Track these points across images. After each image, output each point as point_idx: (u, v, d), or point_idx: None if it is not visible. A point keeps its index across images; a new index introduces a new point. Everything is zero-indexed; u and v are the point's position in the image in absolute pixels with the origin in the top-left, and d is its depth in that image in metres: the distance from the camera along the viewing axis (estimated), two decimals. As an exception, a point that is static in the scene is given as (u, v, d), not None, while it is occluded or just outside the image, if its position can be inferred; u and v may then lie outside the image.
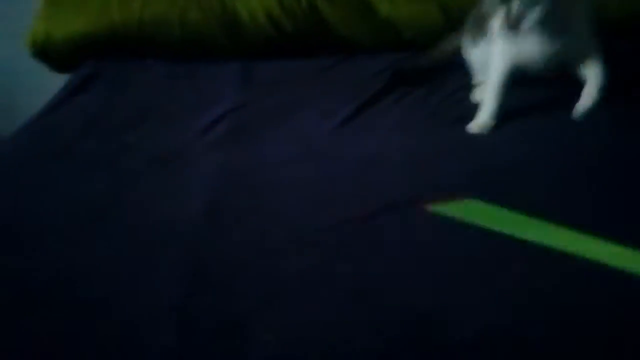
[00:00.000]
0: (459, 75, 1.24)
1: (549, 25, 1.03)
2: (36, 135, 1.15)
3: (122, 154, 1.06)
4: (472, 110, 1.11)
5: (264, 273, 0.73)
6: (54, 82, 1.57)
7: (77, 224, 0.87)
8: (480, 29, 1.17)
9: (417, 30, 1.45)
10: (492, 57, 1.11)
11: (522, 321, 0.63)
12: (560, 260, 0.71)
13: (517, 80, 1.10)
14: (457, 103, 1.17)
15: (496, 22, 1.08)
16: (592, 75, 1.08)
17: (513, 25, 0.99)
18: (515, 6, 0.98)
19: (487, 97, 1.11)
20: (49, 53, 1.54)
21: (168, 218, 0.86)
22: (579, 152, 0.97)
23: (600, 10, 1.15)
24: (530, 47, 1.06)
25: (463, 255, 0.74)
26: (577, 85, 1.10)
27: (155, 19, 1.48)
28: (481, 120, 1.08)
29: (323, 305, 0.68)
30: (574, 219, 0.77)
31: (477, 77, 1.22)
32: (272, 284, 0.72)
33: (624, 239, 0.73)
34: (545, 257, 0.72)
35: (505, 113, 1.09)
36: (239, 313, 0.67)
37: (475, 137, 1.05)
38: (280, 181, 0.94)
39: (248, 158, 1.04)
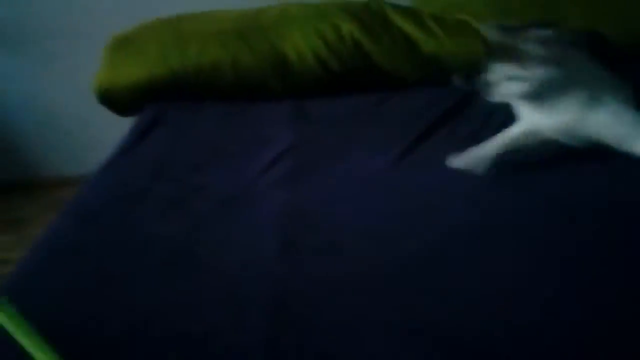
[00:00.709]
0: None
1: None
2: (112, 179, 1.24)
3: (192, 196, 1.13)
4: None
5: (342, 308, 0.79)
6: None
7: (160, 264, 0.94)
8: None
9: (461, 65, 1.51)
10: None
11: None
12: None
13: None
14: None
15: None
16: None
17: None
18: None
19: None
20: (112, 99, 1.65)
21: (243, 257, 0.93)
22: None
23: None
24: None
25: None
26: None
27: (211, 64, 1.58)
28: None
29: (402, 340, 0.73)
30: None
31: None
32: (353, 321, 0.77)
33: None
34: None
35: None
36: (325, 348, 0.73)
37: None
38: (345, 218, 1.00)
39: (311, 196, 1.09)
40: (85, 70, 1.78)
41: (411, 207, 1.00)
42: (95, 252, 0.98)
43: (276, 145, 1.31)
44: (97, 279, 0.91)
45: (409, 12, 1.59)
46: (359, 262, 0.87)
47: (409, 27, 1.55)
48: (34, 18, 2.11)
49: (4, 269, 2.06)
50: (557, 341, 0.70)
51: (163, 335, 0.78)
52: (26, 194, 2.51)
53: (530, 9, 1.53)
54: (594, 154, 1.04)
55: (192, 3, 1.78)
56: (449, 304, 0.77)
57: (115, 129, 1.54)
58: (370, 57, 1.55)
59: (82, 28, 2.10)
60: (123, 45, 1.68)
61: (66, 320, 0.82)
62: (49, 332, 0.77)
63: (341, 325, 0.76)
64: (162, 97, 1.61)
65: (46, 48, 2.18)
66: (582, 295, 0.77)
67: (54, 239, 1.05)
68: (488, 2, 1.56)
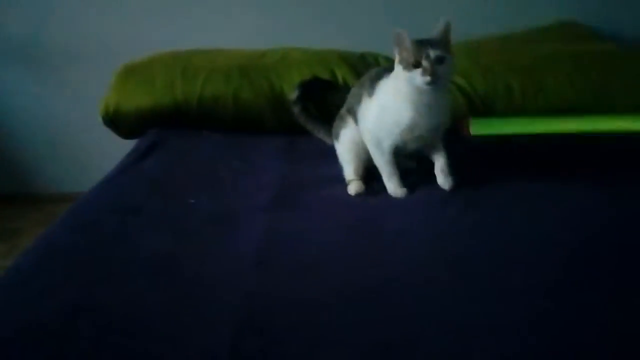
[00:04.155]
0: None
1: (445, 86, 1.22)
2: (110, 193, 1.32)
3: (182, 214, 1.22)
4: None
5: (305, 323, 0.86)
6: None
7: (145, 271, 1.01)
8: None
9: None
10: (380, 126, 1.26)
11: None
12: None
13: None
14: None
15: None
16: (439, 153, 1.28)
17: (433, 74, 1.14)
18: (433, 55, 1.13)
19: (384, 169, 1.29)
20: (117, 121, 1.77)
21: (222, 271, 1.00)
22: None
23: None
24: (425, 110, 1.20)
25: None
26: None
27: (213, 96, 1.70)
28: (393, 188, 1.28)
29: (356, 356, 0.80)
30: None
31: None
32: (313, 333, 0.84)
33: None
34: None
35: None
36: (286, 356, 0.80)
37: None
38: (317, 244, 1.08)
39: (289, 222, 1.18)
40: (91, 94, 1.90)
41: (379, 237, 1.09)
42: (85, 256, 1.05)
43: (263, 175, 1.41)
44: (83, 280, 0.98)
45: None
46: (326, 284, 0.94)
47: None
48: (50, 39, 2.27)
49: (-6, 276, 2.13)
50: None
51: (138, 334, 0.84)
52: (22, 206, 2.59)
53: (509, 72, 1.66)
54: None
55: (200, 39, 1.94)
56: (406, 326, 0.84)
57: (114, 151, 1.64)
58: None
59: (92, 54, 2.25)
60: (132, 73, 1.81)
61: (49, 316, 0.88)
62: (32, 325, 0.85)
63: (303, 338, 0.82)
64: (165, 124, 1.72)
65: (57, 69, 2.33)
66: (536, 333, 0.83)
67: (47, 243, 1.13)
68: (473, 64, 1.69)
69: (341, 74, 1.69)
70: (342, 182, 1.37)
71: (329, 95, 1.68)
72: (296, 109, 1.61)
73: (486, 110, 1.62)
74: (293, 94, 1.62)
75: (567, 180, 1.31)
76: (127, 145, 1.70)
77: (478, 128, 0.91)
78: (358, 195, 1.30)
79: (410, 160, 1.37)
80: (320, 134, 1.55)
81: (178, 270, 1.01)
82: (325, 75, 1.70)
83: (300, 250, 1.06)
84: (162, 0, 2.17)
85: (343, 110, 1.40)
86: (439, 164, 1.28)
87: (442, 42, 1.17)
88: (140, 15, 2.19)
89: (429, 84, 1.15)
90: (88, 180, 1.46)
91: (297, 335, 0.83)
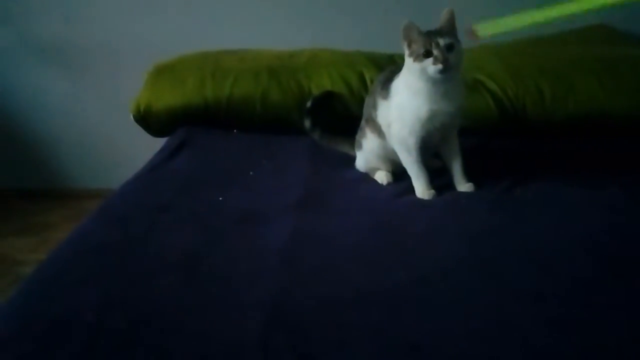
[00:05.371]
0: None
1: (456, 73, 1.21)
2: (140, 191, 1.35)
3: (211, 212, 1.23)
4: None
5: (332, 321, 0.86)
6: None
7: (174, 267, 1.02)
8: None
9: (470, 118, 1.60)
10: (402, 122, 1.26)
11: None
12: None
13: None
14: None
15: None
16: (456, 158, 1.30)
17: (444, 62, 1.14)
18: (442, 43, 1.14)
19: (412, 169, 1.29)
20: (149, 120, 1.79)
21: (250, 268, 1.01)
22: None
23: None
24: (441, 98, 1.20)
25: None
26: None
27: (242, 96, 1.71)
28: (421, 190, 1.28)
29: (382, 355, 0.80)
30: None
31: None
32: (339, 331, 0.84)
33: None
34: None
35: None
36: (313, 353, 0.80)
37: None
38: (343, 245, 1.08)
39: (316, 222, 1.18)
40: (122, 92, 1.94)
41: (405, 239, 1.09)
42: (116, 252, 1.07)
43: (291, 175, 1.43)
44: (115, 276, 1.00)
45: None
46: (353, 284, 0.94)
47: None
48: (81, 39, 2.32)
49: (25, 269, 2.17)
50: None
51: (169, 328, 0.86)
52: (52, 202, 2.65)
53: (540, 75, 1.63)
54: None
55: (229, 39, 1.96)
56: (431, 327, 0.84)
57: (144, 149, 1.68)
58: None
59: (123, 53, 2.30)
60: (163, 72, 1.84)
61: (81, 310, 0.89)
62: (65, 318, 0.87)
63: (330, 335, 0.83)
64: (194, 123, 1.75)
65: (89, 68, 2.38)
66: (566, 335, 0.82)
67: (80, 239, 1.15)
68: (504, 67, 1.67)
69: (369, 75, 1.69)
70: (368, 183, 1.38)
71: (336, 104, 1.71)
72: (315, 136, 1.64)
73: (516, 113, 1.60)
74: (306, 123, 1.66)
75: (593, 180, 1.29)
76: (157, 143, 1.73)
77: (485, 29, 0.95)
78: (389, 184, 1.35)
79: (438, 160, 1.37)
80: (345, 149, 1.55)
81: (207, 267, 1.02)
82: (353, 76, 1.70)
83: (327, 249, 1.07)
84: (192, 0, 2.20)
85: (362, 122, 1.42)
86: (457, 170, 1.30)
87: (449, 30, 1.17)
88: (170, 14, 2.23)
89: (441, 72, 1.15)
90: (117, 177, 1.49)
91: (325, 333, 0.84)
